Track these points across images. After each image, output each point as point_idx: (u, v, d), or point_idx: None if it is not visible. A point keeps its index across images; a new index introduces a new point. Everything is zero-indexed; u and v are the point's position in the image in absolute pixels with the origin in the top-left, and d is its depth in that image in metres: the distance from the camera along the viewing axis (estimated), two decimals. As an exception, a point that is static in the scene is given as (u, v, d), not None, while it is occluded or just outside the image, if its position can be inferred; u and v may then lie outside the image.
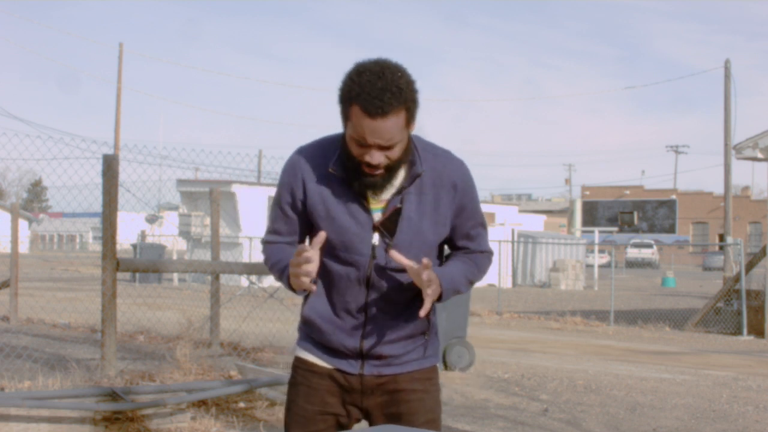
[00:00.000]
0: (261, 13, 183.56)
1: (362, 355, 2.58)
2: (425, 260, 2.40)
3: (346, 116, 2.42)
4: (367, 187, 2.46)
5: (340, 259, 2.53)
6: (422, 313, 2.43)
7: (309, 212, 2.55)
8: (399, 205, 2.50)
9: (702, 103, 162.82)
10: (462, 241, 2.64)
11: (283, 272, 2.54)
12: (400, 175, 2.51)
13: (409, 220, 2.51)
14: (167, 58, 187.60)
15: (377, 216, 2.51)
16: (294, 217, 2.58)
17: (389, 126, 2.36)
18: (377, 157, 2.39)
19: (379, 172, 2.43)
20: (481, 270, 2.67)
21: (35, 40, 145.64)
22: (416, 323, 2.59)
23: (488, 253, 2.69)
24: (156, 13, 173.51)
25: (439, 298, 2.50)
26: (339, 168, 2.49)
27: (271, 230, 2.64)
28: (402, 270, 2.52)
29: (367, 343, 2.56)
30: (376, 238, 2.50)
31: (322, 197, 2.51)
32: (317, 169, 2.52)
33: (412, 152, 2.51)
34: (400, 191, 2.50)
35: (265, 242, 2.66)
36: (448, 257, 2.69)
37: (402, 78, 2.38)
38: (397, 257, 2.44)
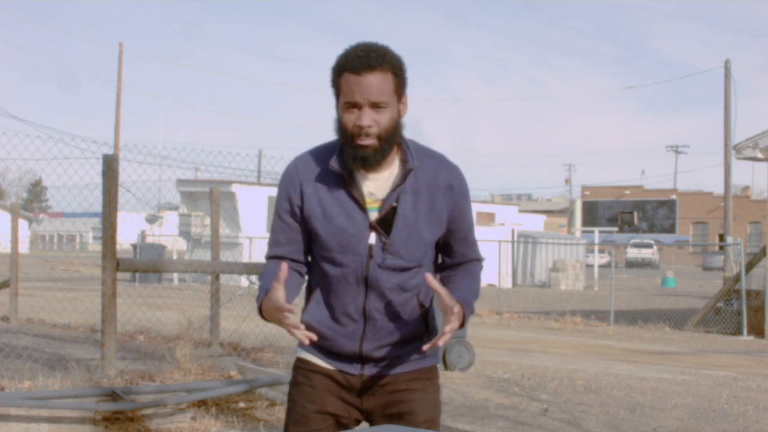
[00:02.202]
0: (262, 12, 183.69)
1: (362, 359, 2.60)
2: (456, 308, 2.47)
3: (337, 91, 2.48)
4: (360, 162, 2.46)
5: (337, 261, 2.53)
6: (425, 347, 2.52)
7: (306, 216, 2.55)
8: (395, 204, 2.51)
9: (702, 103, 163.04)
10: (461, 246, 2.65)
11: (259, 295, 2.57)
12: (395, 173, 2.53)
13: (405, 219, 2.52)
14: (167, 58, 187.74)
15: (374, 216, 2.51)
16: (293, 224, 2.59)
17: (376, 81, 2.42)
18: (368, 118, 2.42)
19: (371, 142, 2.43)
20: (479, 282, 2.74)
21: (35, 40, 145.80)
22: (415, 325, 2.61)
23: (482, 261, 2.75)
24: (156, 13, 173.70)
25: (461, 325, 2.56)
26: (338, 164, 2.50)
27: (272, 242, 2.65)
28: (400, 270, 2.53)
29: (367, 347, 2.57)
30: (372, 237, 2.51)
31: (319, 199, 2.53)
32: (315, 172, 2.55)
33: (406, 152, 2.53)
34: (395, 189, 2.51)
35: (267, 258, 2.67)
36: (448, 276, 2.69)
37: (387, 49, 2.48)
38: (431, 282, 2.43)
